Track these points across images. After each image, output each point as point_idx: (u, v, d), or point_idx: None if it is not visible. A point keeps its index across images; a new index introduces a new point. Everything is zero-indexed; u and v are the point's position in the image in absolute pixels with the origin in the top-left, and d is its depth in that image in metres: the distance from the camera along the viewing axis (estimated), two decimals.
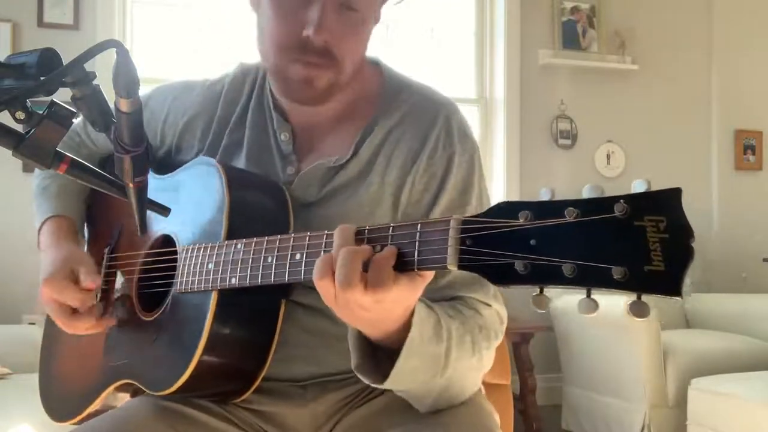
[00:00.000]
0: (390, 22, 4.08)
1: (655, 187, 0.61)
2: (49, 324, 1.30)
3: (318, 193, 1.08)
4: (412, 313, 0.84)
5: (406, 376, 0.88)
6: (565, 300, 3.35)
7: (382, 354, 0.89)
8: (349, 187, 1.08)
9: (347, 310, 0.79)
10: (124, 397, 1.15)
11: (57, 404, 1.23)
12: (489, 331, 1.01)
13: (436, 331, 0.90)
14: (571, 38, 4.23)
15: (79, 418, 1.16)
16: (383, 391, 1.07)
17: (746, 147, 4.59)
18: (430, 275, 0.78)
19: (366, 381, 0.89)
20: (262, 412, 1.07)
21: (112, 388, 1.10)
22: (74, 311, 1.07)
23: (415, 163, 1.08)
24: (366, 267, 0.75)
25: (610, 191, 0.64)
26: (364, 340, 0.88)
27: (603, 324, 3.17)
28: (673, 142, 4.41)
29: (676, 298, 0.58)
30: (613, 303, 3.09)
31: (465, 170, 1.09)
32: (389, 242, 0.76)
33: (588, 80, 4.26)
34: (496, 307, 1.04)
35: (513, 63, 4.12)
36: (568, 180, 4.16)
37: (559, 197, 0.66)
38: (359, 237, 0.78)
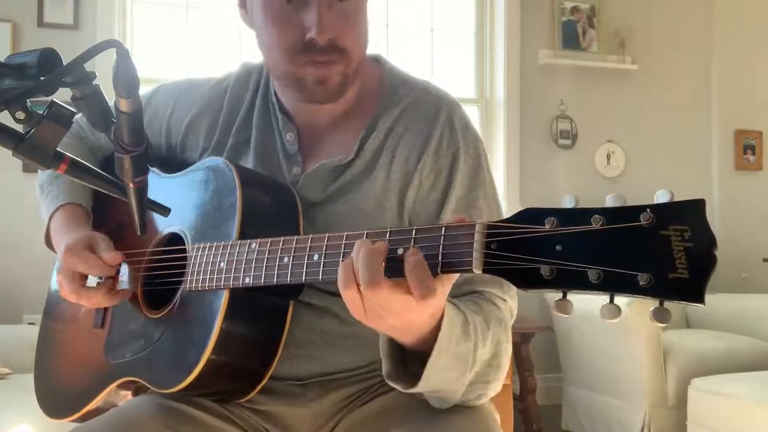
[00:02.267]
0: (390, 22, 4.09)
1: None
2: (47, 320, 1.30)
3: (324, 192, 1.09)
4: (441, 316, 0.84)
5: (437, 376, 0.88)
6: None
7: (412, 359, 0.89)
8: (354, 186, 1.08)
9: (377, 318, 0.78)
10: (126, 395, 1.15)
11: (53, 400, 1.23)
12: (507, 325, 1.02)
13: (465, 329, 0.90)
14: (571, 38, 4.23)
15: (77, 415, 1.15)
16: (384, 392, 1.07)
17: (746, 147, 4.59)
18: (454, 277, 0.78)
19: (397, 387, 0.89)
20: (263, 412, 1.07)
21: (114, 385, 1.10)
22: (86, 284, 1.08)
23: (420, 160, 1.08)
24: (391, 269, 0.75)
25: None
26: (394, 348, 0.89)
27: (603, 324, 3.16)
28: (673, 142, 4.41)
29: (699, 304, 0.60)
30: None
31: (471, 166, 1.09)
32: (412, 245, 0.76)
33: (588, 80, 4.26)
34: (510, 302, 1.06)
35: (513, 63, 4.12)
36: (568, 180, 4.16)
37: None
38: (381, 239, 0.78)
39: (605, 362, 3.29)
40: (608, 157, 4.30)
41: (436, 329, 0.85)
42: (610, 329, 3.15)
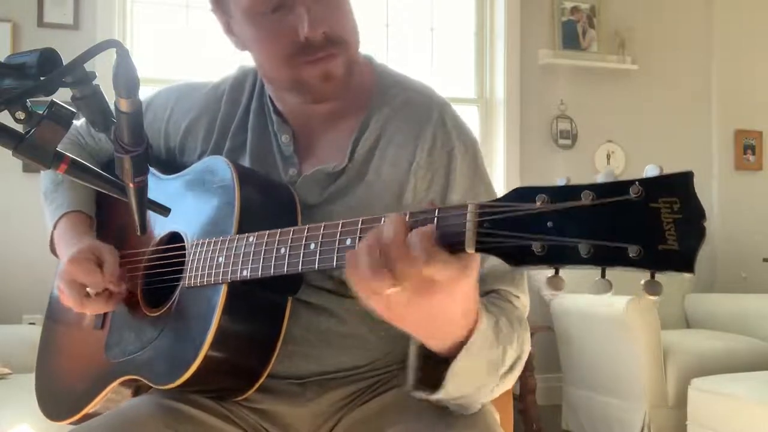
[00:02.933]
0: (390, 22, 4.08)
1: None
2: (48, 322, 1.31)
3: (320, 196, 1.09)
4: (475, 320, 0.82)
5: (463, 379, 0.86)
6: (565, 300, 3.35)
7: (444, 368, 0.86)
8: (350, 189, 1.09)
9: (397, 314, 0.75)
10: (126, 395, 1.15)
11: (54, 402, 1.23)
12: (526, 324, 1.02)
13: (496, 333, 0.89)
14: (571, 38, 4.23)
15: (77, 417, 1.15)
16: (383, 391, 1.07)
17: (746, 147, 4.59)
18: (474, 262, 0.73)
19: (421, 395, 0.87)
20: (263, 411, 1.07)
21: (115, 384, 1.10)
22: (88, 293, 1.09)
23: (414, 160, 1.08)
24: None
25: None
26: (423, 359, 0.87)
27: (603, 323, 3.16)
28: (673, 142, 4.41)
29: (689, 274, 0.60)
30: (614, 302, 3.10)
31: (469, 164, 1.10)
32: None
33: (588, 80, 4.26)
34: (523, 298, 1.06)
35: (513, 63, 4.12)
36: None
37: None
38: (375, 225, 0.77)
39: (605, 362, 3.29)
40: (608, 157, 4.30)
41: (469, 332, 0.82)
42: (610, 329, 3.15)
